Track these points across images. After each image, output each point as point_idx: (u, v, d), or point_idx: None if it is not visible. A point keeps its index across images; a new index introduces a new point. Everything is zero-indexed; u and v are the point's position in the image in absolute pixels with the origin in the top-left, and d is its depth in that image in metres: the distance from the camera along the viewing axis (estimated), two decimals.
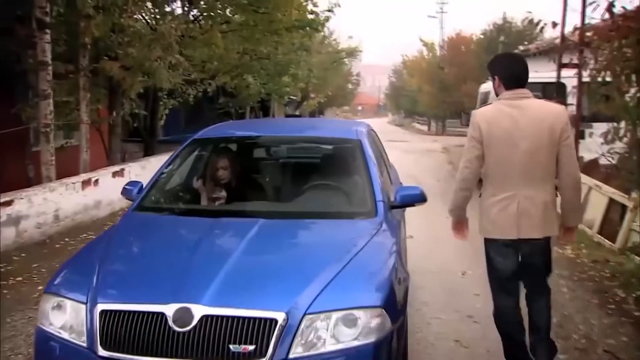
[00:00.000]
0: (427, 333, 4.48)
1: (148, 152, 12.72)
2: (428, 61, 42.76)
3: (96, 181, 8.83)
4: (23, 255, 6.73)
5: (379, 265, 3.03)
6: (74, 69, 9.17)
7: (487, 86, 12.58)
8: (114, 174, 9.45)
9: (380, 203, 3.65)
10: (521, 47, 18.92)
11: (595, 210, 7.58)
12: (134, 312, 2.64)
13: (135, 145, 14.18)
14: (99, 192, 8.85)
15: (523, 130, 3.23)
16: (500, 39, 32.46)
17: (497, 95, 3.39)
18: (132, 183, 4.30)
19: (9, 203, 6.89)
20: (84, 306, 2.77)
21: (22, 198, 7.13)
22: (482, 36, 36.69)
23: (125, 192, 4.22)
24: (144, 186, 4.12)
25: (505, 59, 3.62)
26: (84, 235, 7.68)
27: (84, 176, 8.72)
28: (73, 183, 8.26)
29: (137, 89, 9.97)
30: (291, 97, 21.72)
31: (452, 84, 36.27)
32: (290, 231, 3.50)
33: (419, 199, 3.85)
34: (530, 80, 3.38)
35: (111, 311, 2.67)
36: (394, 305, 2.85)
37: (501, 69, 3.37)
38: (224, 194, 4.17)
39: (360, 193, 3.87)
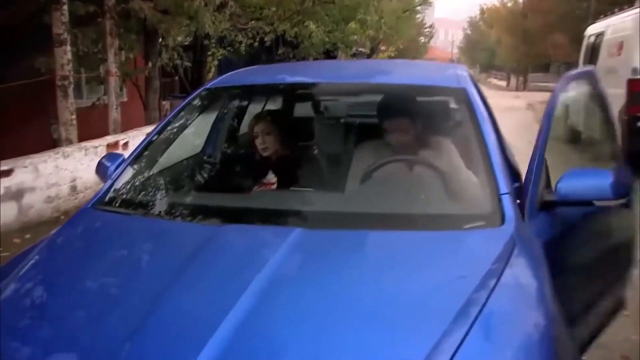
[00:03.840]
0: None
1: None
2: (509, 9, 39.44)
3: (125, 144, 7.42)
4: (27, 237, 5.43)
5: (519, 338, 1.43)
6: (98, 10, 7.70)
7: (599, 27, 10.11)
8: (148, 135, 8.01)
9: (506, 198, 1.92)
10: None
11: None
12: None
13: None
14: None
15: None
16: None
17: None
18: (110, 156, 2.82)
19: (7, 173, 5.57)
20: None
21: (25, 167, 5.81)
22: None
23: (99, 170, 2.73)
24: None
25: None
26: None
27: (109, 138, 7.33)
28: (95, 147, 6.86)
29: (175, 35, 8.44)
30: (359, 48, 19.78)
31: (536, 34, 32.89)
32: (346, 259, 1.73)
33: (607, 193, 2.01)
34: None
35: None
36: None
37: None
38: (272, 177, 2.63)
39: (468, 180, 2.17)
